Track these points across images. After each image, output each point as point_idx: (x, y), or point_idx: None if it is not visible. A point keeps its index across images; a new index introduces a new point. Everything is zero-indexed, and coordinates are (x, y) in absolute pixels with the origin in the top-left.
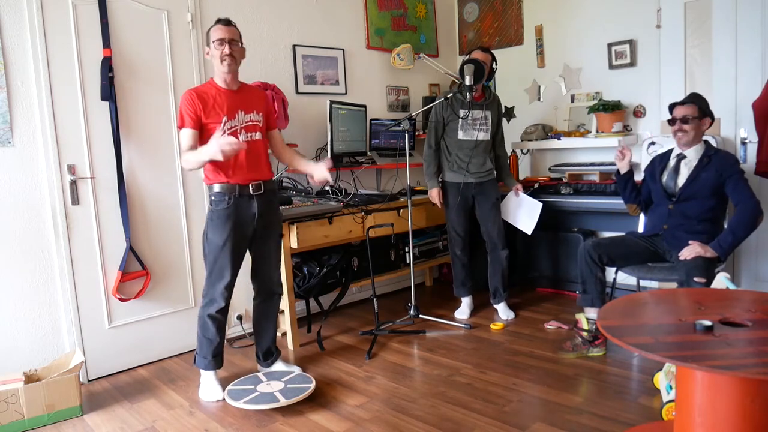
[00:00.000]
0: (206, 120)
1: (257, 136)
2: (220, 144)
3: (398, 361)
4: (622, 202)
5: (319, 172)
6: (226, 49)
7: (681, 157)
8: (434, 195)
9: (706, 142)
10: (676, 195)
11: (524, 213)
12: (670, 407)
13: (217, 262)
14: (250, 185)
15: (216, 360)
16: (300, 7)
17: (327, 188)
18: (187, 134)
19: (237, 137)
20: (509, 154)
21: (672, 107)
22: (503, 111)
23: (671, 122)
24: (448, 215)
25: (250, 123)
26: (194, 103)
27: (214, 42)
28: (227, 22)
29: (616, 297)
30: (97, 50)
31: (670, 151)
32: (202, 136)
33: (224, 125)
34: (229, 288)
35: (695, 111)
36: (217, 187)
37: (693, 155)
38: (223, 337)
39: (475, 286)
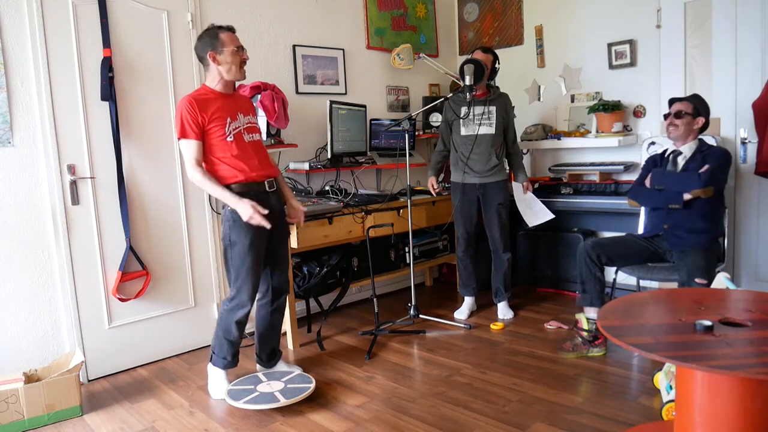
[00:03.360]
0: (209, 125)
1: (257, 136)
2: (254, 205)
3: (398, 361)
4: (621, 202)
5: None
6: (246, 55)
7: (677, 154)
8: (429, 182)
9: (700, 140)
10: None
11: (531, 212)
12: (670, 407)
13: (245, 265)
14: (266, 182)
15: (235, 360)
16: (300, 7)
17: (327, 188)
18: (193, 146)
19: (242, 138)
20: None
21: (671, 102)
22: (512, 108)
23: (666, 116)
24: (453, 216)
25: (250, 124)
26: (194, 111)
27: (231, 48)
28: (234, 29)
29: (616, 297)
30: (97, 50)
31: (665, 151)
32: (205, 141)
33: (229, 125)
34: (257, 290)
35: (690, 108)
36: (236, 187)
37: (687, 152)
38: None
39: (480, 287)
